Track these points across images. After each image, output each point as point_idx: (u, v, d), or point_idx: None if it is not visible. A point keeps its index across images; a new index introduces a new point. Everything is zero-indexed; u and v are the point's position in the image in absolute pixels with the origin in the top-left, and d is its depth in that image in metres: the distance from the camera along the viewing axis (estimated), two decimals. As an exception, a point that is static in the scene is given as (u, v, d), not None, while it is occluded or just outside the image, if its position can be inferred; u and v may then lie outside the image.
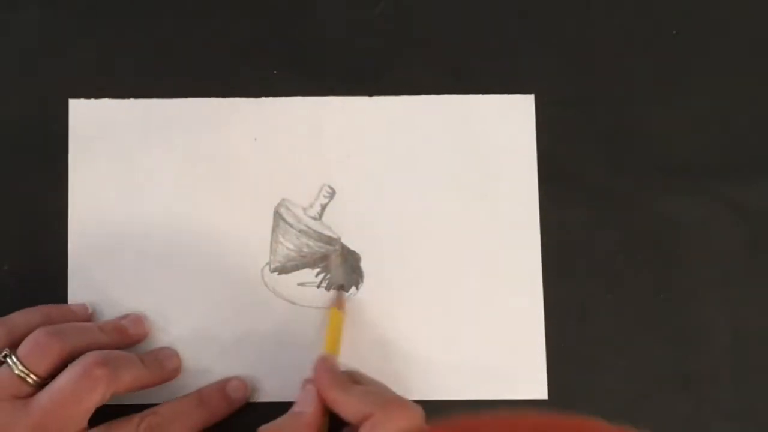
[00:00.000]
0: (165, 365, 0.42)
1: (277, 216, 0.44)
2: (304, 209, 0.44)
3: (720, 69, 0.46)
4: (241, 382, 0.42)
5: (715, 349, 0.44)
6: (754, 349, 0.44)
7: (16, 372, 0.37)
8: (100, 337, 0.40)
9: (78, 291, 0.44)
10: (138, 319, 0.43)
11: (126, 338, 0.42)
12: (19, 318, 0.40)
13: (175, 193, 0.44)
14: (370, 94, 0.45)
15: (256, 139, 0.45)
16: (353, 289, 0.44)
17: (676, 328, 0.44)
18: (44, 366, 0.37)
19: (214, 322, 0.43)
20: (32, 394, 0.37)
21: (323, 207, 0.44)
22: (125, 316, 0.43)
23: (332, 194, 0.45)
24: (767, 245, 0.45)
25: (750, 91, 0.46)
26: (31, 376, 0.37)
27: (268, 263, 0.44)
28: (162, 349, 0.43)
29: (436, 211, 0.44)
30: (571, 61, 0.46)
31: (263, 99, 0.45)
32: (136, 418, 0.39)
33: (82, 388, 0.36)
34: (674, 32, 0.46)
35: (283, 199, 0.44)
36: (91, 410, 0.37)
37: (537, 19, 0.46)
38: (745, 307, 0.44)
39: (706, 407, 0.43)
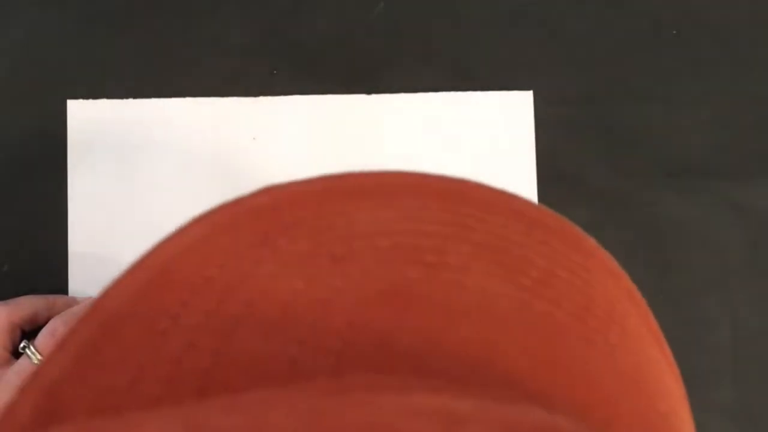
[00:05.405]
0: None
1: (277, 216, 0.44)
2: (304, 209, 0.44)
3: (720, 69, 0.46)
4: None
5: (715, 348, 0.44)
6: (754, 348, 0.44)
7: (35, 362, 0.37)
8: None
9: (78, 291, 0.44)
10: None
11: None
12: (24, 300, 0.40)
13: (174, 192, 0.44)
14: (369, 93, 0.45)
15: (255, 138, 0.45)
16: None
17: (676, 327, 0.44)
18: None
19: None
20: None
21: (323, 206, 0.44)
22: None
23: (332, 194, 0.44)
24: (767, 245, 0.45)
25: (750, 91, 0.46)
26: None
27: (268, 263, 0.44)
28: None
29: (436, 211, 0.44)
30: (570, 60, 0.46)
31: (262, 98, 0.45)
32: None
33: None
34: (674, 32, 0.46)
35: (283, 199, 0.44)
36: None
37: (535, 17, 0.46)
38: (745, 307, 0.44)
39: (706, 407, 0.43)
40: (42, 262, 0.44)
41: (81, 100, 0.45)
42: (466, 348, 0.17)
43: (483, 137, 0.45)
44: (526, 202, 0.21)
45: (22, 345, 0.38)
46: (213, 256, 0.18)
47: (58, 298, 0.42)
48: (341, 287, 0.18)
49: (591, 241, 0.21)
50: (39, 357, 0.37)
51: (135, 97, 0.45)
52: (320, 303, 0.17)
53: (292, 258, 0.18)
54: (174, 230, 0.20)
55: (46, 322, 0.39)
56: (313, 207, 0.20)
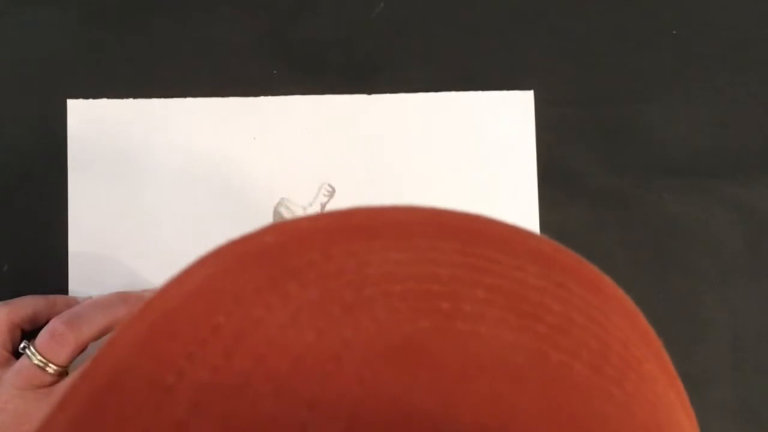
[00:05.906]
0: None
1: (277, 215, 0.44)
2: (304, 208, 0.44)
3: (720, 69, 0.46)
4: None
5: (715, 348, 0.44)
6: (754, 348, 0.44)
7: (35, 362, 0.37)
8: (120, 312, 0.40)
9: (78, 291, 0.44)
10: None
11: None
12: (24, 300, 0.40)
13: (174, 192, 0.44)
14: (369, 93, 0.45)
15: (255, 138, 0.45)
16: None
17: (676, 327, 0.44)
18: (63, 355, 0.37)
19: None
20: (55, 383, 0.37)
21: (323, 206, 0.44)
22: (146, 291, 0.43)
23: (332, 193, 0.44)
24: (767, 245, 0.45)
25: (750, 91, 0.46)
26: (50, 365, 0.37)
27: (268, 263, 0.44)
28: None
29: (436, 211, 0.44)
30: (571, 60, 0.46)
31: (262, 98, 0.45)
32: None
33: None
34: (674, 32, 0.46)
35: (283, 198, 0.44)
36: None
37: (535, 17, 0.46)
38: (745, 307, 0.44)
39: (706, 407, 0.43)
40: (42, 262, 0.44)
41: (81, 100, 0.45)
42: (483, 410, 0.16)
43: (483, 137, 0.45)
44: (541, 240, 0.21)
45: (22, 345, 0.38)
46: (219, 301, 0.17)
47: (58, 298, 0.42)
48: (351, 339, 0.16)
49: (607, 281, 0.20)
50: (39, 357, 0.37)
51: (135, 97, 0.45)
52: (331, 358, 0.16)
53: (302, 306, 0.17)
54: (177, 273, 0.18)
55: (46, 322, 0.39)
56: (322, 247, 0.19)
